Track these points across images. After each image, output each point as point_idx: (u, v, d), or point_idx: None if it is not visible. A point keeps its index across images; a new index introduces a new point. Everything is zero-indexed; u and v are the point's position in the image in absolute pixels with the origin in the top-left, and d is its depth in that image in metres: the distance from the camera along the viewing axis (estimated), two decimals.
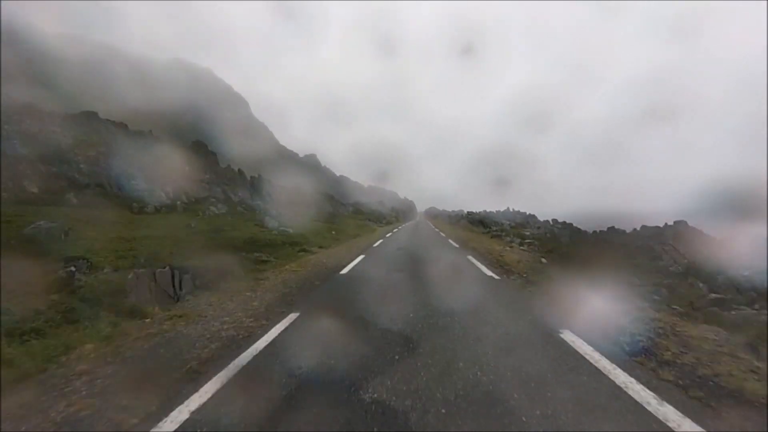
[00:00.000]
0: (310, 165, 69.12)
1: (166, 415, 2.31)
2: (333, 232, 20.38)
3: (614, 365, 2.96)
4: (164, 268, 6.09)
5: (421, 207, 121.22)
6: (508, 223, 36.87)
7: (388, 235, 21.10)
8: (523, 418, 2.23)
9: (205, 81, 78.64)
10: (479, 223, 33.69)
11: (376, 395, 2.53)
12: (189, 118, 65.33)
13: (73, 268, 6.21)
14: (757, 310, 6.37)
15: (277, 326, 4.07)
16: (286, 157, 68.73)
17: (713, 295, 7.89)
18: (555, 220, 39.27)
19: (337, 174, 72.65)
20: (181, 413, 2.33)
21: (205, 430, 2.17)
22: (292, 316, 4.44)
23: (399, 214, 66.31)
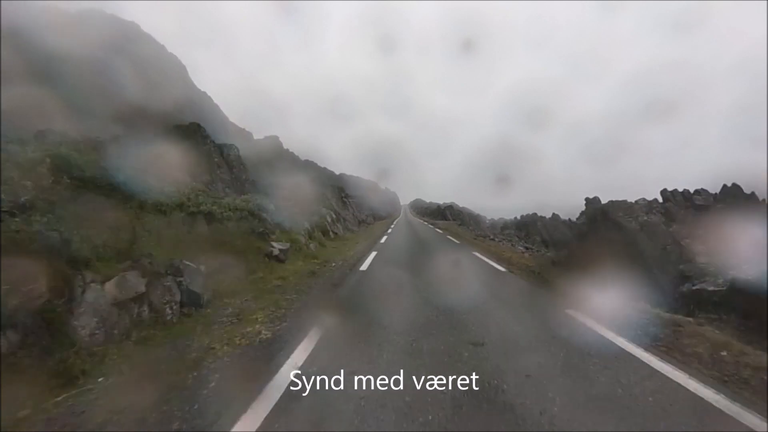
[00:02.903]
0: (270, 147, 56.50)
1: None
2: None
3: None
4: None
5: (404, 200, 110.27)
6: None
7: None
8: None
9: (133, 40, 62.84)
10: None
11: None
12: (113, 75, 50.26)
13: None
14: None
15: None
16: (239, 137, 55.44)
17: None
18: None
19: (302, 159, 60.61)
20: None
21: None
22: None
23: (374, 213, 55.00)
